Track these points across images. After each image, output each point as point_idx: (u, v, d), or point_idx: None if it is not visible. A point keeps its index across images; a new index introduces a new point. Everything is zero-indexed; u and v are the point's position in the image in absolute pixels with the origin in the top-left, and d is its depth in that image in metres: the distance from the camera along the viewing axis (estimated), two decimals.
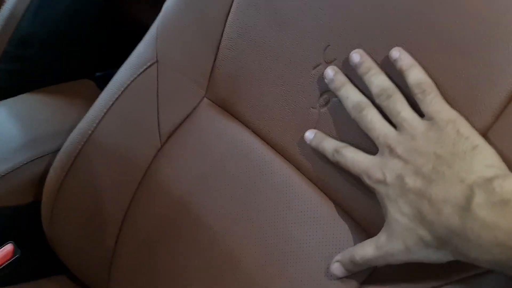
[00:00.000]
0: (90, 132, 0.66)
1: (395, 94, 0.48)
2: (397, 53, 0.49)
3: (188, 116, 0.64)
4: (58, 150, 0.74)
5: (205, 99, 0.63)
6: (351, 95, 0.51)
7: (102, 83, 0.92)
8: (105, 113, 0.66)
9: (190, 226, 0.61)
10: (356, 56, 0.51)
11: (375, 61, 0.50)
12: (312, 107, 0.55)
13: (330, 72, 0.52)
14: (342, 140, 0.53)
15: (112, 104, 0.66)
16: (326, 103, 0.55)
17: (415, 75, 0.47)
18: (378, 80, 0.49)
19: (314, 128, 0.55)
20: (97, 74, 1.00)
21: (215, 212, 0.60)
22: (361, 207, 0.52)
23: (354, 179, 0.51)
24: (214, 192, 0.60)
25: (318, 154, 0.54)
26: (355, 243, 0.51)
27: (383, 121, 0.49)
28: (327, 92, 0.54)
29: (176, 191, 0.63)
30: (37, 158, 0.74)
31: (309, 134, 0.54)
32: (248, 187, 0.58)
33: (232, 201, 0.59)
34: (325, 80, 0.53)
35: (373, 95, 0.49)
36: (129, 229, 0.67)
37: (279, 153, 0.58)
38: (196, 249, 0.60)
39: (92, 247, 0.71)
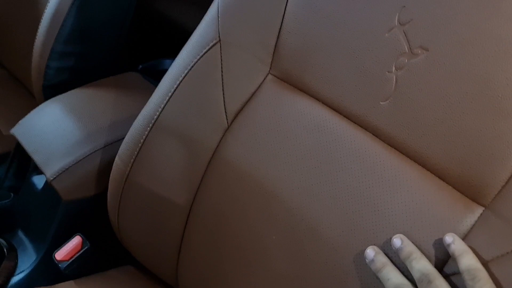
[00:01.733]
0: (155, 117, 0.66)
1: (436, 280, 0.48)
2: (451, 239, 0.49)
3: (253, 93, 0.64)
4: (118, 140, 0.74)
5: (269, 75, 0.63)
6: (391, 276, 0.51)
7: (147, 74, 0.92)
8: (170, 97, 0.66)
9: (264, 204, 0.61)
10: (397, 241, 0.51)
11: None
12: (388, 71, 0.54)
13: (370, 252, 0.53)
14: (421, 100, 0.52)
15: (176, 88, 0.66)
16: (403, 66, 0.54)
17: (467, 261, 0.48)
18: (419, 265, 0.49)
19: (393, 92, 0.54)
20: (140, 66, 1.00)
21: (290, 187, 0.59)
22: (449, 166, 0.51)
23: (440, 136, 0.51)
24: (287, 167, 0.60)
25: (398, 117, 0.54)
26: (446, 205, 0.50)
27: None
28: (403, 54, 0.53)
29: (247, 170, 0.62)
30: (98, 150, 0.74)
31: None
32: (324, 159, 0.58)
33: (307, 175, 0.58)
34: (366, 260, 0.53)
35: (415, 279, 0.50)
36: (198, 214, 0.66)
37: (354, 122, 0.57)
38: (272, 226, 0.60)
39: (160, 235, 0.70)
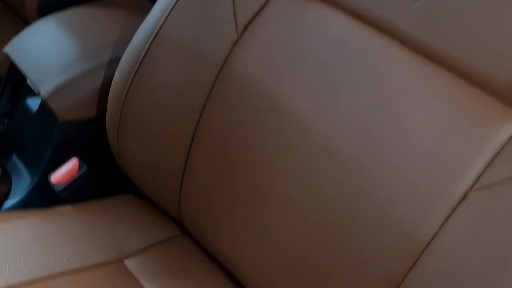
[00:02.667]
0: (157, 28, 0.61)
1: None
2: None
3: (266, 3, 0.58)
4: (117, 59, 0.69)
5: None
6: None
7: None
8: (173, 7, 0.60)
9: (276, 121, 0.56)
10: None
11: None
12: None
13: None
14: None
15: None
16: None
17: None
18: None
19: None
20: None
21: (305, 103, 0.54)
22: (485, 70, 0.46)
23: (476, 39, 0.46)
24: (302, 83, 0.55)
25: (430, 20, 0.48)
26: (481, 113, 0.46)
27: None
28: None
29: (258, 84, 0.57)
30: (96, 67, 0.69)
31: None
32: (343, 72, 0.53)
33: (325, 90, 0.53)
34: None
35: None
36: (204, 134, 0.62)
37: (379, 30, 0.52)
38: (284, 145, 0.55)
39: (162, 159, 0.66)
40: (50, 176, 0.67)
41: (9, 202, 0.71)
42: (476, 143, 0.45)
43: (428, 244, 0.46)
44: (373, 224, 0.48)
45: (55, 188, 0.66)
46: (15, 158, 0.76)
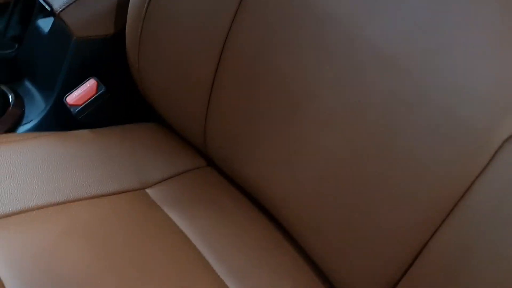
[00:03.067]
0: None
1: None
2: None
3: None
4: None
5: None
6: None
7: None
8: None
9: (315, 27, 0.49)
10: None
11: None
12: None
13: None
14: None
15: None
16: None
17: None
18: None
19: None
20: None
21: (347, 5, 0.48)
22: None
23: None
24: None
25: None
26: None
27: None
28: None
29: None
30: None
31: None
32: None
33: None
34: None
35: None
36: (232, 52, 0.56)
37: None
38: (325, 51, 0.49)
39: (186, 81, 0.61)
40: (66, 97, 0.62)
41: (23, 128, 0.66)
42: None
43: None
44: (433, 129, 0.43)
45: (71, 110, 0.61)
46: (27, 83, 0.71)
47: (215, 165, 0.68)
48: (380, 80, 0.47)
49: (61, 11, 0.61)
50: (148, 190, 0.63)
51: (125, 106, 0.67)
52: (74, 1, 0.61)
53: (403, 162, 0.44)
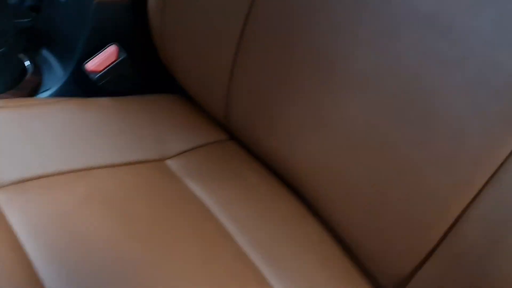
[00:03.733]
0: None
1: None
2: None
3: None
4: None
5: None
6: None
7: None
8: None
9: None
10: None
11: None
12: None
13: None
14: None
15: None
16: None
17: None
18: None
19: None
20: None
21: None
22: None
23: None
24: None
25: None
26: None
27: None
28: None
29: None
30: None
31: None
32: None
33: None
34: None
35: None
36: (260, 11, 0.54)
37: None
38: (356, 10, 0.47)
39: (210, 45, 0.59)
40: (85, 63, 0.61)
41: (42, 95, 0.64)
42: None
43: None
44: (480, 84, 0.41)
45: (91, 76, 0.59)
46: (45, 53, 0.70)
47: (237, 140, 0.66)
48: (415, 38, 0.45)
49: None
50: (168, 161, 0.61)
51: (146, 75, 0.66)
52: None
53: (442, 123, 0.42)
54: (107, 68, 0.59)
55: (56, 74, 0.66)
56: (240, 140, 0.65)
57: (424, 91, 0.44)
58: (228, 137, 0.67)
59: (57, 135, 0.55)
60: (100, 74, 0.59)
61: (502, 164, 0.39)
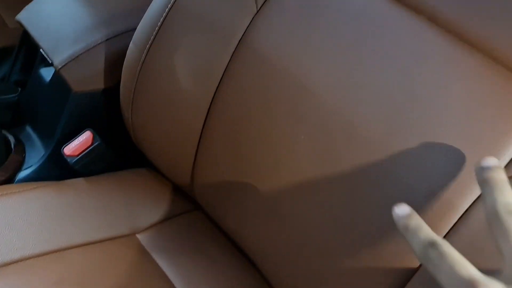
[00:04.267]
0: None
1: None
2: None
3: None
4: (133, 29, 0.67)
5: None
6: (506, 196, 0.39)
7: None
8: None
9: (295, 97, 0.54)
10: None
11: None
12: None
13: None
14: None
15: None
16: None
17: None
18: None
19: None
20: None
21: (326, 80, 0.52)
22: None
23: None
24: (324, 58, 0.53)
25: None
26: (505, 97, 0.44)
27: None
28: None
29: (277, 59, 0.55)
30: (112, 38, 0.67)
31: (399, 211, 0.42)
32: (367, 49, 0.50)
33: (347, 66, 0.51)
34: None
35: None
36: (220, 108, 0.60)
37: (406, 5, 0.50)
38: (303, 122, 0.53)
39: (176, 133, 0.65)
40: (63, 148, 0.67)
41: (23, 173, 0.70)
42: (507, 128, 0.43)
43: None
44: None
45: (68, 160, 0.66)
46: (28, 128, 0.76)
47: (202, 209, 0.72)
48: (351, 152, 0.50)
49: (61, 67, 0.66)
50: (138, 236, 0.67)
51: (119, 154, 0.72)
52: (74, 59, 0.66)
53: (364, 237, 0.48)
54: (83, 153, 0.65)
55: (38, 151, 0.72)
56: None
57: (357, 196, 0.50)
58: (195, 207, 0.73)
59: (34, 220, 0.60)
60: (76, 158, 0.65)
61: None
